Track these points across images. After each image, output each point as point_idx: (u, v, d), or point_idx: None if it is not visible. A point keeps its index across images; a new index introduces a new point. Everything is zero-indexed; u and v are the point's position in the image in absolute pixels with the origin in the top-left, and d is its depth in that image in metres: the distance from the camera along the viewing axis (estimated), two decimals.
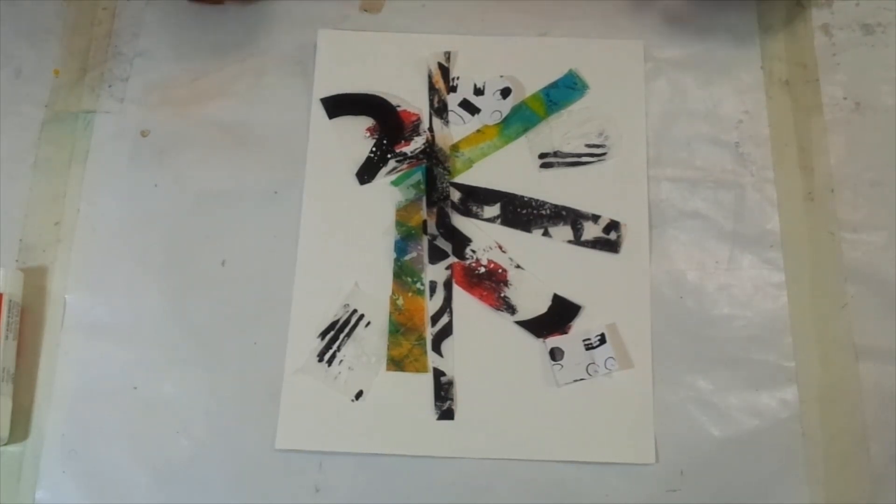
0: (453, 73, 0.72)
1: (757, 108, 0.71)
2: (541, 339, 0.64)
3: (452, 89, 0.71)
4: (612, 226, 0.67)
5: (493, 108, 0.70)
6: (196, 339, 0.65)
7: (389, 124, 0.70)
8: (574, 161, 0.69)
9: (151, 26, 0.74)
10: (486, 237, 0.67)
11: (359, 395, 0.63)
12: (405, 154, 0.70)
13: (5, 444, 0.62)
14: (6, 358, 0.62)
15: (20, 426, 0.63)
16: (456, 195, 0.68)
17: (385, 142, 0.70)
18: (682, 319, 0.65)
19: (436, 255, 0.67)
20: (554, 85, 0.71)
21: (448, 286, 0.66)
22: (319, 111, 0.71)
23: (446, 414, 0.63)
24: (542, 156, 0.69)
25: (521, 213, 0.68)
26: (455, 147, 0.70)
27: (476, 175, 0.69)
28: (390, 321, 0.65)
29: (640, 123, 0.70)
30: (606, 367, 0.63)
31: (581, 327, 0.65)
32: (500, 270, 0.66)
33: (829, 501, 0.61)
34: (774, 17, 0.73)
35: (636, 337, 0.64)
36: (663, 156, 0.69)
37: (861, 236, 0.67)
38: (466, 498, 0.61)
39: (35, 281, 0.66)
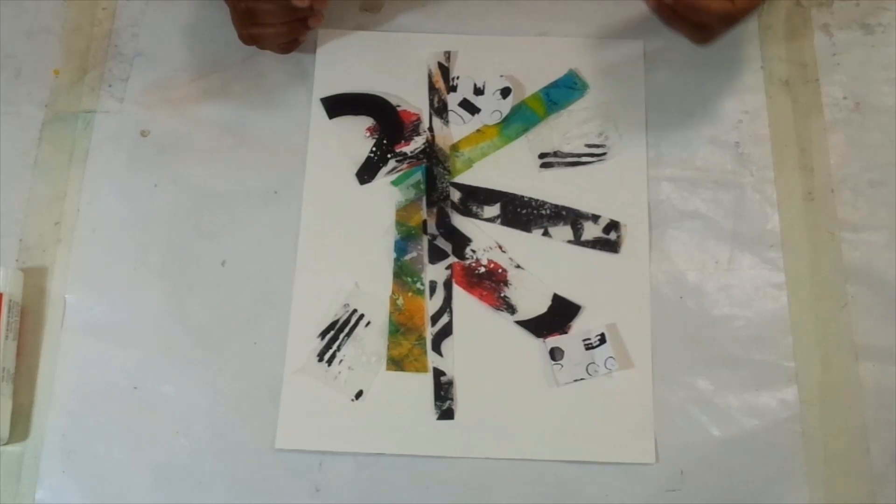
0: (453, 73, 0.72)
1: (757, 108, 0.70)
2: (541, 339, 0.64)
3: (452, 89, 0.71)
4: (612, 226, 0.67)
5: (493, 108, 0.70)
6: (196, 339, 0.65)
7: (389, 124, 0.70)
8: (574, 161, 0.69)
9: (151, 26, 0.74)
10: (486, 237, 0.67)
11: (359, 394, 0.63)
12: (405, 154, 0.70)
13: (5, 444, 0.62)
14: (6, 358, 0.62)
15: (20, 426, 0.62)
16: (456, 195, 0.68)
17: (385, 142, 0.70)
18: (682, 319, 0.65)
19: (436, 255, 0.67)
20: (554, 85, 0.71)
21: (448, 286, 0.66)
22: (319, 111, 0.71)
23: (446, 414, 0.63)
24: (542, 156, 0.69)
25: (521, 213, 0.68)
26: (455, 147, 0.70)
27: (476, 175, 0.69)
28: (390, 321, 0.65)
29: (640, 124, 0.70)
30: (606, 367, 0.63)
31: (581, 327, 0.65)
32: (500, 270, 0.66)
33: (829, 501, 0.61)
34: (774, 17, 0.73)
35: (636, 337, 0.64)
36: (663, 156, 0.69)
37: (861, 236, 0.67)
38: (466, 498, 0.61)
39: (35, 281, 0.66)
